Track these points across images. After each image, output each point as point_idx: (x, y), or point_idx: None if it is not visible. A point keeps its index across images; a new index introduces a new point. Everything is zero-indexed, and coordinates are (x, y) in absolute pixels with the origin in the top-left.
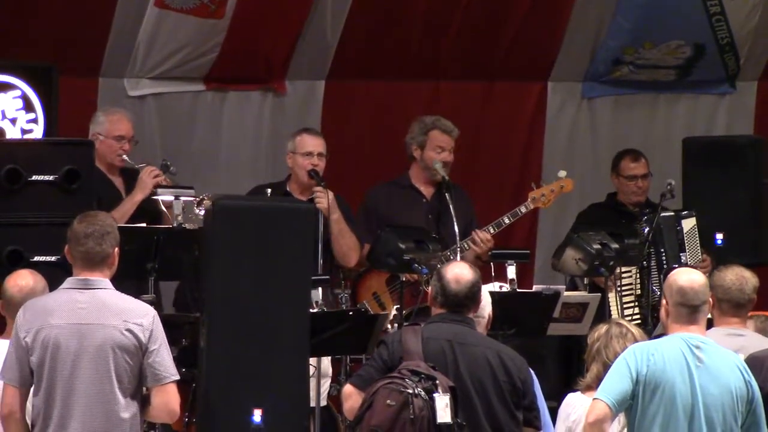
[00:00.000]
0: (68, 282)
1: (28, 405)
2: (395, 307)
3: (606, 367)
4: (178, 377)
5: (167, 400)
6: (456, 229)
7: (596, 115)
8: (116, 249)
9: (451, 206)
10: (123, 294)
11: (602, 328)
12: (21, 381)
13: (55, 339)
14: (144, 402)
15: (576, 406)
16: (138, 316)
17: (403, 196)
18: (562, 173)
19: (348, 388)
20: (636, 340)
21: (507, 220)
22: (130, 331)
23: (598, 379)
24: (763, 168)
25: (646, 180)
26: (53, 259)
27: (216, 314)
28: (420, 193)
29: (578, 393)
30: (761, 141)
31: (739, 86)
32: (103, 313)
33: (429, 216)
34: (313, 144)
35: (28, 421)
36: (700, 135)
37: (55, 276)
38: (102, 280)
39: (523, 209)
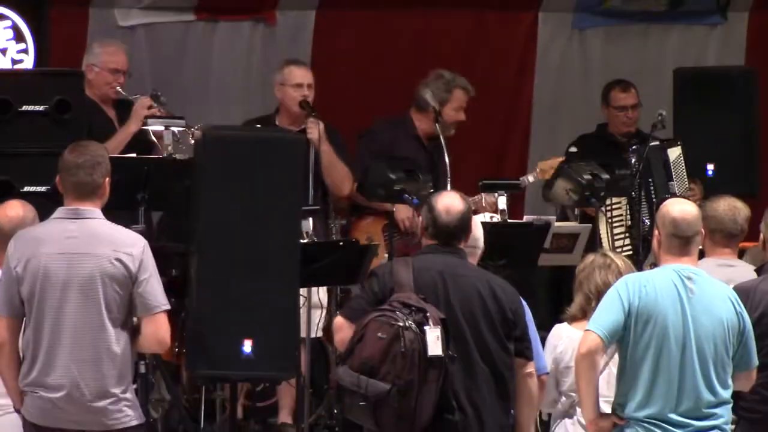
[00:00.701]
0: (59, 212)
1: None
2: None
3: (587, 297)
4: (168, 307)
5: (156, 330)
6: (449, 183)
7: (587, 46)
8: (107, 179)
9: (447, 160)
10: (113, 224)
11: (588, 259)
12: (11, 311)
13: (45, 268)
14: (135, 332)
15: (562, 336)
16: (128, 246)
17: (408, 142)
18: (573, 149)
19: (339, 320)
20: (620, 272)
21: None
22: (119, 260)
23: (582, 310)
24: (754, 98)
25: (636, 110)
26: (43, 189)
27: (206, 245)
28: (424, 145)
29: (565, 324)
30: (752, 71)
31: (730, 17)
32: (93, 242)
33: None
34: (302, 75)
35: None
36: (692, 66)
37: (45, 206)
38: (93, 210)
39: (531, 178)
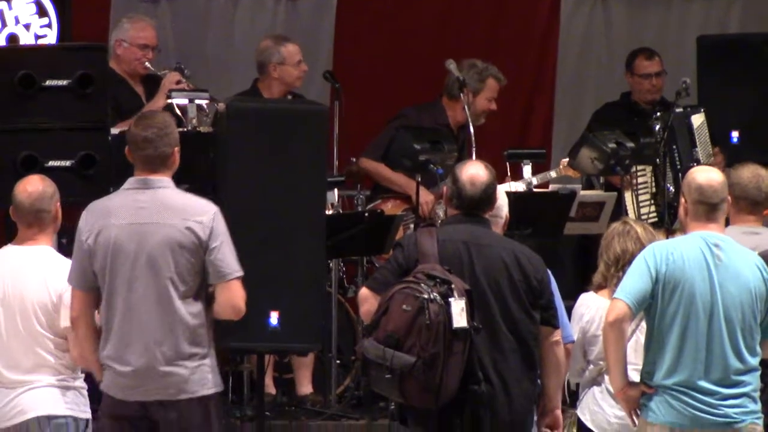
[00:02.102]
0: (129, 182)
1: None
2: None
3: (607, 265)
4: (241, 273)
5: (231, 296)
6: (473, 152)
7: (611, 14)
8: (177, 148)
9: (474, 150)
10: (184, 192)
11: (611, 227)
12: (84, 284)
13: (116, 239)
14: (209, 300)
15: (589, 305)
16: (198, 214)
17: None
18: None
19: (364, 292)
20: (639, 238)
21: (536, 181)
22: (189, 229)
23: (604, 278)
24: None
25: (660, 78)
26: (67, 164)
27: (231, 218)
28: (453, 133)
29: (591, 293)
30: None
31: None
32: (163, 212)
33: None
34: (299, 51)
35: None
36: (715, 33)
37: (69, 181)
38: (162, 179)
39: (553, 174)
